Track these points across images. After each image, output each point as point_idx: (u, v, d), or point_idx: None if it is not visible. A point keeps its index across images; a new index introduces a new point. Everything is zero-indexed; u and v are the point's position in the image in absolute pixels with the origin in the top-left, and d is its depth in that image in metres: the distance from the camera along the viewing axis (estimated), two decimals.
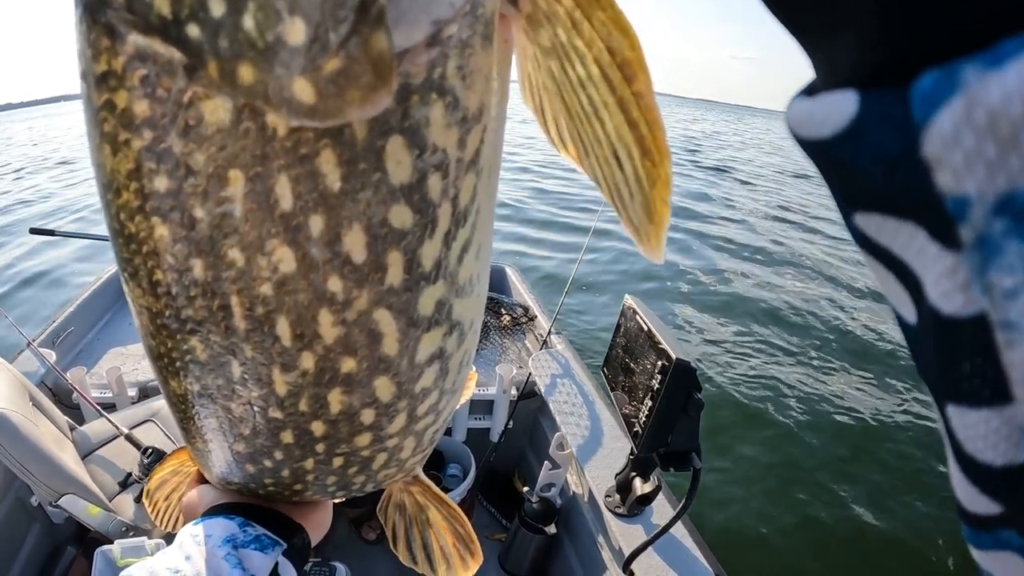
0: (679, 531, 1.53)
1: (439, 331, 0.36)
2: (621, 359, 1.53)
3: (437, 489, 0.62)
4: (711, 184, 14.17)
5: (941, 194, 0.14)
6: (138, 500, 1.83)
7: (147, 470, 1.85)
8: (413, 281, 0.33)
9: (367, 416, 0.39)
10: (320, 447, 0.40)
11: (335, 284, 0.31)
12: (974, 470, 0.17)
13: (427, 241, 0.32)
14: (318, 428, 0.39)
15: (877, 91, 0.15)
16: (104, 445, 2.00)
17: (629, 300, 1.56)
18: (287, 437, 0.39)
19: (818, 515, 3.45)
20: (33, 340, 2.28)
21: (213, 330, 0.34)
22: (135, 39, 0.26)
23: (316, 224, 0.29)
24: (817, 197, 13.73)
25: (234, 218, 0.29)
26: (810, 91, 0.18)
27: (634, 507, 1.61)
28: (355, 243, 0.30)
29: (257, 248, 0.30)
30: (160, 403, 2.15)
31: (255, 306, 0.32)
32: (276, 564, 0.46)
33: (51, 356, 2.21)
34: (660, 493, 1.59)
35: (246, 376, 0.35)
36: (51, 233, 2.97)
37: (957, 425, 0.17)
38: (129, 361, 2.55)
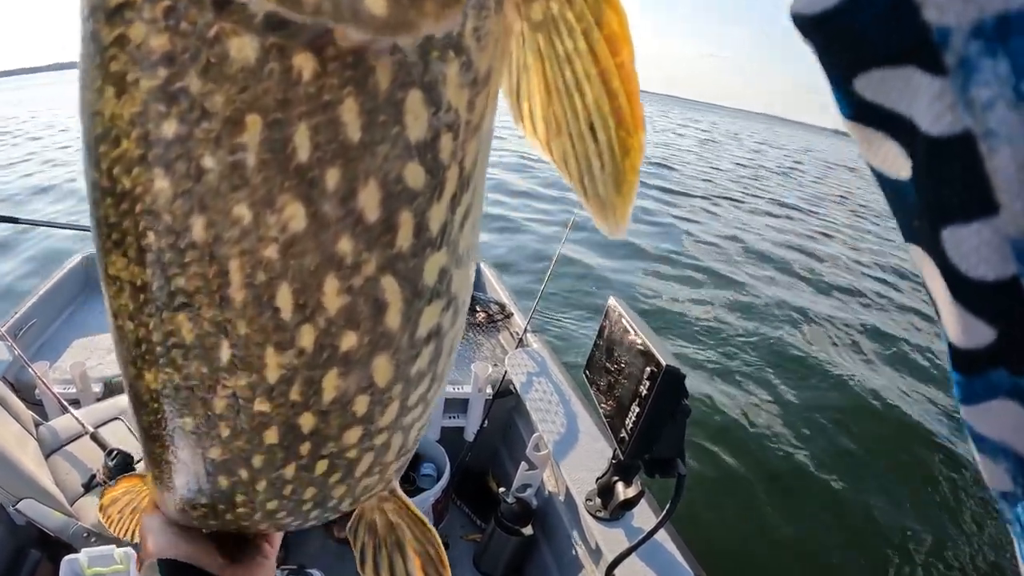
0: (661, 536, 1.53)
1: (439, 304, 0.36)
2: (603, 362, 1.52)
3: (414, 507, 0.60)
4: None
5: (928, 26, 0.17)
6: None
7: (111, 473, 1.78)
8: (420, 246, 0.33)
9: (360, 405, 0.38)
10: (305, 448, 0.39)
11: (345, 245, 0.30)
12: (968, 291, 0.19)
13: (435, 204, 0.32)
14: (307, 422, 0.37)
15: None
16: (70, 443, 1.92)
17: (613, 302, 1.54)
18: (271, 436, 0.37)
19: (802, 522, 3.49)
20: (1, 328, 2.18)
21: (205, 303, 0.32)
22: None
23: (332, 177, 0.28)
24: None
25: (246, 168, 0.28)
26: None
27: (616, 511, 1.61)
28: (370, 199, 0.29)
29: (267, 203, 0.29)
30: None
31: (256, 272, 0.30)
32: None
33: (13, 350, 2.11)
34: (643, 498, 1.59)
35: (235, 360, 0.34)
36: (14, 220, 2.85)
37: (952, 249, 0.19)
38: (94, 355, 2.46)
